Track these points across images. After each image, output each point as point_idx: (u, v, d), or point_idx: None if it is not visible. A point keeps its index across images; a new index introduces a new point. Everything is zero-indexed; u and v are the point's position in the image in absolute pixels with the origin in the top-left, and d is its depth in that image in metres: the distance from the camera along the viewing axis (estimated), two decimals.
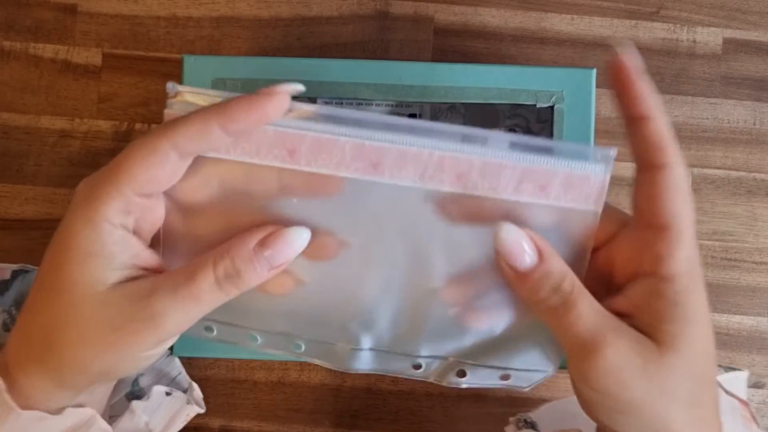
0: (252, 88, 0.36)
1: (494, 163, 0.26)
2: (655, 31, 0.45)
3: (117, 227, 0.25)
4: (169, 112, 0.26)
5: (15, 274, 0.34)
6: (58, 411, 0.27)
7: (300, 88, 0.26)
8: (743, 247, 0.44)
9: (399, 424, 0.43)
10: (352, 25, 0.44)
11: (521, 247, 0.26)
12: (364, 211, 0.27)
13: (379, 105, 0.41)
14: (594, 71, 0.37)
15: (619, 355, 0.25)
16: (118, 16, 0.44)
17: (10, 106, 0.44)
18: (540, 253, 0.26)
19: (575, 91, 0.37)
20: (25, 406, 0.27)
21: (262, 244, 0.26)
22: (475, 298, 0.28)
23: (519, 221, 0.26)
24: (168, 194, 0.27)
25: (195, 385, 0.36)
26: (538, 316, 0.27)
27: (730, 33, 0.45)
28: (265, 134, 0.26)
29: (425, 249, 0.28)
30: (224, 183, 0.27)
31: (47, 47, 0.44)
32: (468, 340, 0.30)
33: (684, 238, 0.25)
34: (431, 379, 0.31)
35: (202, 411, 0.36)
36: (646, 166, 0.26)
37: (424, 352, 0.30)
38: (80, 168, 0.43)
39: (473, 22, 0.44)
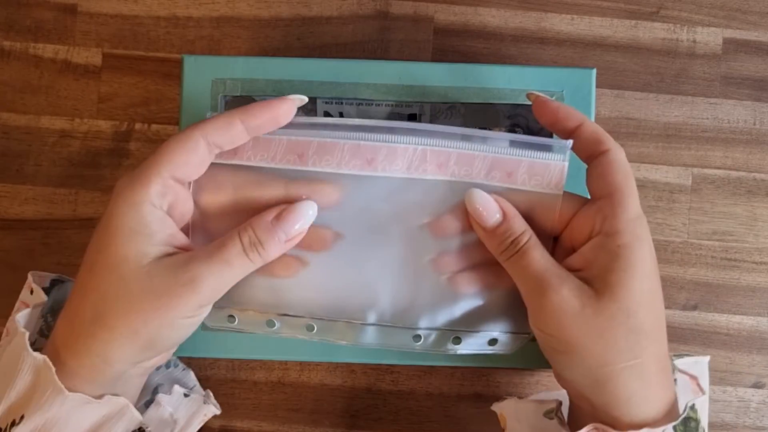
0: (252, 88, 0.37)
1: (467, 154, 0.31)
2: (655, 31, 0.45)
3: (156, 207, 0.30)
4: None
5: (53, 283, 0.36)
6: (99, 397, 0.30)
7: (305, 99, 0.32)
8: (743, 247, 0.44)
9: (399, 423, 0.43)
10: (352, 25, 0.44)
11: (487, 208, 0.31)
12: (361, 203, 0.32)
13: (379, 105, 0.41)
14: (594, 71, 0.37)
15: (560, 299, 0.29)
16: (118, 16, 0.44)
17: (10, 106, 0.44)
18: (504, 214, 0.31)
19: (575, 91, 0.37)
20: (71, 390, 0.29)
21: (278, 217, 0.31)
22: (461, 267, 0.33)
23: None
24: (194, 197, 0.32)
25: (210, 392, 0.38)
26: (505, 268, 0.31)
27: (730, 33, 0.45)
28: (279, 144, 0.32)
29: (417, 229, 0.33)
30: (238, 190, 0.32)
31: (47, 47, 0.44)
32: (459, 310, 0.34)
33: (625, 202, 0.30)
34: (431, 350, 0.34)
35: (219, 412, 0.37)
36: (592, 157, 0.31)
37: (422, 324, 0.34)
38: (80, 168, 0.43)
39: (473, 22, 0.44)
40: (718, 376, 0.44)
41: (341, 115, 0.41)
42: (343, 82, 0.37)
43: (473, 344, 0.34)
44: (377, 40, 0.44)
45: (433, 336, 0.34)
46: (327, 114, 0.41)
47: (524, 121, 0.37)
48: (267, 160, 0.32)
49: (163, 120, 0.44)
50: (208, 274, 0.29)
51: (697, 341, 0.44)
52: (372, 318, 0.34)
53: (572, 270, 0.31)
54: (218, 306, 0.33)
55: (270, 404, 0.43)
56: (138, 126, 0.44)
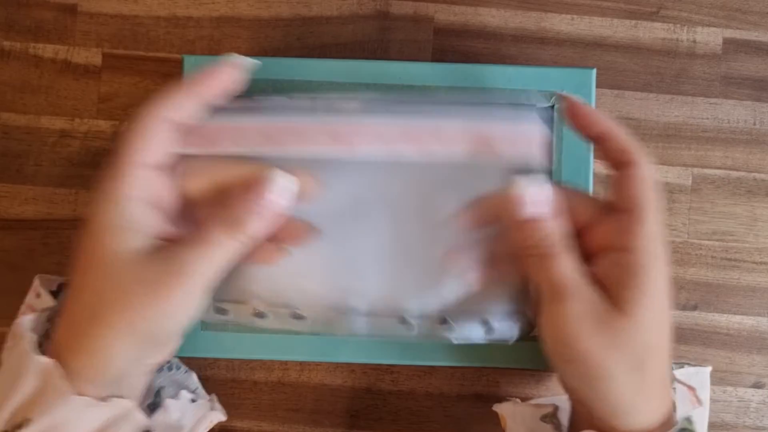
0: (252, 89, 0.37)
1: (444, 125, 0.31)
2: (655, 31, 0.45)
3: (137, 201, 0.30)
4: None
5: (60, 287, 0.36)
6: (103, 399, 0.30)
7: (255, 62, 0.32)
8: (743, 247, 0.44)
9: (399, 423, 0.43)
10: (352, 25, 0.44)
11: (530, 197, 0.30)
12: (343, 191, 0.32)
13: None
14: (594, 71, 0.37)
15: (579, 309, 0.29)
16: (118, 16, 0.44)
17: (10, 105, 0.44)
18: (548, 210, 0.30)
19: (575, 91, 0.37)
20: (76, 392, 0.29)
21: (247, 188, 0.31)
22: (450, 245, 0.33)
23: (474, 179, 0.32)
24: (178, 187, 0.32)
25: (215, 396, 0.38)
26: (523, 260, 0.31)
27: (730, 33, 0.45)
28: (250, 130, 0.32)
29: (402, 213, 0.33)
30: (219, 175, 0.32)
31: (47, 47, 0.44)
32: (450, 294, 0.33)
33: (645, 218, 0.30)
34: (424, 337, 0.35)
35: (225, 419, 0.38)
36: (618, 165, 0.31)
37: (411, 310, 0.34)
38: (80, 168, 0.43)
39: (473, 22, 0.44)
40: (718, 376, 0.44)
41: None
42: (343, 82, 0.37)
43: (468, 330, 0.34)
44: (377, 40, 0.44)
45: (424, 322, 0.34)
46: None
47: None
48: (239, 147, 0.32)
49: None
50: (196, 259, 0.30)
51: (697, 341, 0.44)
52: (361, 305, 0.34)
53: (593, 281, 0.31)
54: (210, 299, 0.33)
55: (270, 404, 0.43)
56: None
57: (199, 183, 0.33)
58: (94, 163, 0.44)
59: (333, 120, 0.32)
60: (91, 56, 0.44)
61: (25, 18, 0.44)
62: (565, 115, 0.32)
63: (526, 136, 0.31)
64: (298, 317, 0.34)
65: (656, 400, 0.30)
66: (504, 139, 0.31)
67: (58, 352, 0.30)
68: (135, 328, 0.29)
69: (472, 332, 0.34)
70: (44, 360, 0.29)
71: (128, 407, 0.31)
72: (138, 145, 0.30)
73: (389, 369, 0.43)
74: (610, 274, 0.30)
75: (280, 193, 0.31)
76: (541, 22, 0.44)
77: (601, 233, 0.31)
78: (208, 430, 0.37)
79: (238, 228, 0.30)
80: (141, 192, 0.30)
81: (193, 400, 0.37)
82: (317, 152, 0.32)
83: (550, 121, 0.37)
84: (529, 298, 0.34)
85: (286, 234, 0.33)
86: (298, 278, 0.34)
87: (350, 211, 0.33)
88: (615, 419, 0.30)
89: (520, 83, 0.37)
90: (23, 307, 0.36)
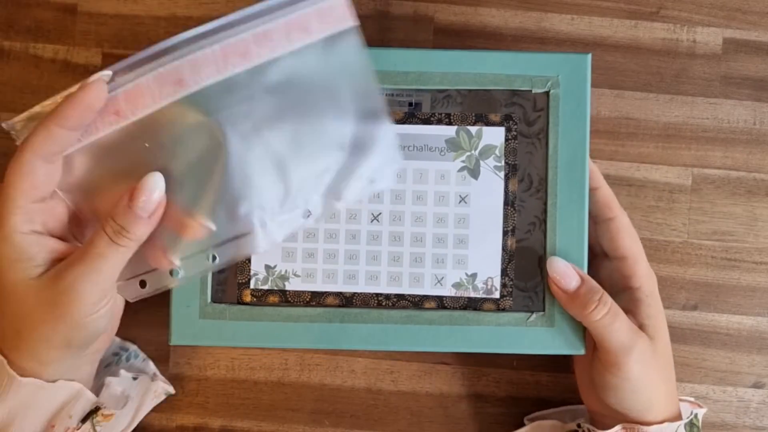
0: None
1: (262, 31, 0.33)
2: (655, 31, 0.45)
3: (27, 233, 0.32)
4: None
5: None
6: (52, 381, 0.34)
7: (108, 72, 0.32)
8: (743, 247, 0.44)
9: (399, 423, 0.43)
10: None
11: (569, 272, 0.36)
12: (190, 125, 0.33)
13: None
14: (589, 56, 0.37)
15: (642, 351, 0.35)
16: (118, 16, 0.44)
17: (10, 105, 0.43)
18: (580, 275, 0.36)
19: (570, 77, 0.37)
20: (23, 376, 0.33)
21: (131, 198, 0.32)
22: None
23: (305, 63, 0.34)
24: (66, 185, 0.33)
25: (158, 373, 0.42)
26: (587, 325, 0.36)
27: (730, 33, 0.45)
28: (112, 100, 0.33)
29: (255, 125, 0.33)
30: (96, 161, 0.33)
31: (47, 47, 0.44)
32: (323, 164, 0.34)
33: (638, 261, 0.38)
34: (325, 218, 0.37)
35: (172, 390, 0.41)
36: (601, 219, 0.38)
37: (300, 193, 0.34)
38: None
39: (473, 22, 0.44)
40: (718, 376, 0.44)
41: None
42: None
43: (354, 190, 0.35)
44: (377, 40, 0.44)
45: (318, 201, 0.34)
46: None
47: (520, 110, 0.37)
48: (91, 133, 0.33)
49: None
50: (84, 274, 0.31)
51: (697, 341, 0.44)
52: (259, 218, 0.34)
53: None
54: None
55: (270, 404, 0.43)
56: None
57: (89, 180, 0.34)
58: None
59: (159, 64, 0.33)
60: (91, 56, 0.44)
61: (25, 18, 0.44)
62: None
63: (333, 8, 0.33)
64: (209, 260, 0.34)
65: (673, 397, 0.38)
66: (317, 18, 0.33)
67: (1, 350, 0.33)
68: (52, 340, 0.33)
69: (359, 191, 0.35)
70: None
71: (78, 388, 0.35)
72: (18, 186, 0.31)
73: (389, 369, 0.43)
74: (635, 310, 0.37)
75: (160, 192, 0.32)
76: (542, 22, 0.44)
77: (604, 276, 0.38)
78: (157, 402, 0.41)
79: (127, 236, 0.32)
80: (33, 224, 0.32)
81: (134, 378, 0.40)
82: (164, 102, 0.33)
83: (546, 108, 0.37)
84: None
85: (179, 229, 0.33)
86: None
87: (212, 144, 0.33)
88: (648, 414, 0.36)
89: (517, 69, 0.37)
90: None
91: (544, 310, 0.37)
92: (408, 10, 0.44)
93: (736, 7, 0.45)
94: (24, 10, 0.44)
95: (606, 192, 0.38)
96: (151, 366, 0.42)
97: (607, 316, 0.35)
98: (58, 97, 0.33)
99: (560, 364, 0.43)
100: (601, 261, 0.39)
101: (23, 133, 0.33)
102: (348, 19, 0.34)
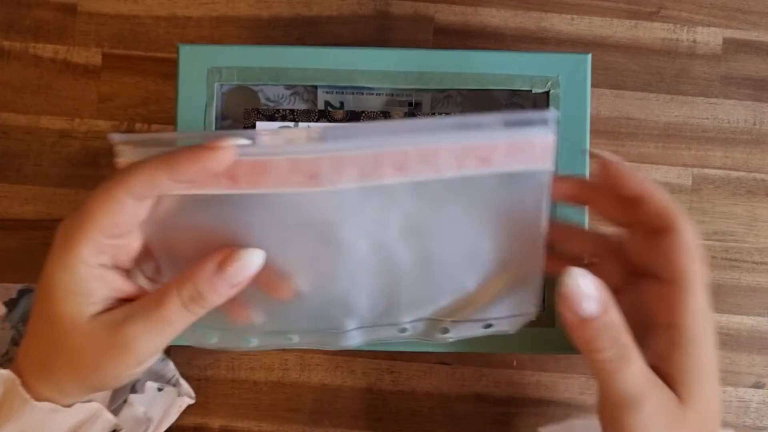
0: (248, 77, 0.37)
1: (430, 148, 0.27)
2: (655, 31, 0.45)
3: (93, 266, 0.28)
4: (121, 160, 0.28)
5: (21, 293, 0.37)
6: (69, 406, 0.31)
7: (244, 142, 0.27)
8: (743, 247, 0.44)
9: (399, 424, 0.43)
10: (351, 25, 0.44)
11: (587, 294, 0.27)
12: (313, 221, 0.28)
13: (379, 94, 0.40)
14: (589, 56, 0.37)
15: (654, 411, 0.27)
16: (118, 16, 0.44)
17: (10, 106, 0.43)
18: (604, 304, 0.27)
19: (570, 77, 0.37)
20: (39, 400, 0.30)
21: (221, 267, 0.28)
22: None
23: (475, 189, 0.28)
24: (150, 220, 0.29)
25: (182, 381, 0.39)
26: (588, 362, 0.28)
27: (730, 33, 0.45)
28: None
29: (387, 238, 0.29)
30: (187, 211, 0.29)
31: (47, 47, 0.44)
32: (444, 301, 0.32)
33: (692, 292, 0.28)
34: (419, 338, 0.34)
35: (193, 401, 0.39)
36: (656, 230, 0.29)
37: (406, 319, 0.33)
38: (80, 168, 0.43)
39: (473, 22, 0.44)
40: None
41: (342, 104, 0.41)
42: (340, 69, 0.37)
43: (466, 329, 0.33)
44: (377, 40, 0.44)
45: (420, 326, 0.34)
46: (327, 103, 0.41)
47: (521, 110, 0.37)
48: (197, 188, 0.28)
49: (163, 120, 0.44)
50: (144, 333, 0.29)
51: None
52: (352, 325, 0.33)
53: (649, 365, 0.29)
54: (195, 324, 0.30)
55: (270, 404, 0.43)
56: (138, 126, 0.44)
57: (177, 232, 0.30)
58: (94, 163, 0.43)
59: (295, 150, 0.27)
60: (91, 56, 0.44)
61: (25, 18, 0.44)
62: (605, 176, 0.30)
63: (532, 144, 0.27)
64: (288, 339, 0.33)
65: None
66: (505, 151, 0.27)
67: (21, 373, 0.31)
68: (83, 382, 0.30)
69: (470, 331, 0.34)
70: (4, 372, 0.30)
71: (96, 408, 0.32)
72: (98, 220, 0.28)
73: (389, 369, 0.43)
74: (665, 357, 0.28)
75: (255, 269, 0.29)
76: (542, 22, 0.44)
77: (645, 300, 0.30)
78: (179, 414, 0.38)
79: (200, 304, 0.29)
80: (100, 257, 0.29)
81: (160, 389, 0.38)
82: (292, 192, 0.27)
83: (545, 108, 0.37)
84: (537, 296, 0.33)
85: (266, 286, 0.31)
86: (288, 306, 0.31)
87: (329, 241, 0.29)
88: None
89: (517, 69, 0.37)
90: None
91: (544, 310, 0.37)
92: (408, 10, 0.44)
93: (736, 7, 0.45)
94: (24, 10, 0.44)
95: (658, 198, 0.29)
96: (171, 367, 0.40)
97: (613, 359, 0.27)
98: (176, 135, 0.30)
99: (560, 364, 0.43)
100: (643, 282, 0.30)
101: (126, 153, 0.28)
102: (545, 161, 0.27)
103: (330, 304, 0.31)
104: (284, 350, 0.43)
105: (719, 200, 0.44)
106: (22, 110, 0.44)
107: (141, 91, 0.44)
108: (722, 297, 0.44)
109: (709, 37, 0.45)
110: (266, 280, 0.30)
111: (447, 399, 0.43)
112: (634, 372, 0.27)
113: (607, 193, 0.30)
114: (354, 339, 0.34)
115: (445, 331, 0.33)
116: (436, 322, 0.34)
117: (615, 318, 0.27)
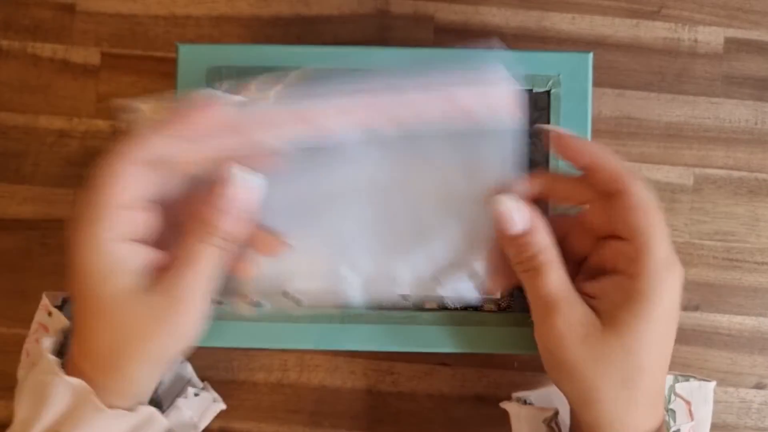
0: (247, 77, 0.36)
1: (416, 96, 0.31)
2: (657, 31, 0.44)
3: (119, 242, 0.29)
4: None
5: (65, 302, 0.37)
6: (129, 408, 0.31)
7: (243, 99, 0.32)
8: (745, 247, 0.44)
9: (400, 425, 0.43)
10: (352, 24, 0.44)
11: (513, 216, 0.31)
12: (318, 176, 0.33)
13: None
14: (590, 55, 0.37)
15: (566, 323, 0.30)
16: (116, 15, 0.44)
17: (8, 105, 0.43)
18: (531, 226, 0.31)
19: (571, 76, 0.37)
20: (104, 402, 0.30)
21: (214, 195, 0.30)
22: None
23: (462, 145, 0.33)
24: (161, 196, 0.31)
25: (209, 385, 0.40)
26: (518, 277, 0.32)
27: (731, 32, 0.45)
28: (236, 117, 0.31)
29: (382, 187, 0.34)
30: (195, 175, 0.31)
31: (45, 46, 0.44)
32: (438, 252, 0.34)
33: (648, 246, 0.29)
34: (419, 300, 0.36)
35: (224, 407, 0.39)
36: (610, 196, 0.31)
37: (404, 275, 0.35)
38: (79, 168, 0.43)
39: (474, 21, 0.44)
40: (719, 377, 0.44)
41: None
42: (340, 68, 0.37)
43: (457, 283, 0.35)
44: (377, 39, 0.44)
45: (417, 287, 0.35)
46: None
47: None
48: (208, 148, 0.31)
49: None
50: (187, 281, 0.30)
51: (698, 342, 0.44)
52: (353, 278, 0.34)
53: (586, 295, 0.31)
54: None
55: (270, 405, 0.43)
56: None
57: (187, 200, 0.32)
58: (92, 163, 0.43)
59: (300, 105, 0.31)
60: (90, 55, 0.44)
61: (23, 17, 0.44)
62: (553, 147, 0.32)
63: (497, 94, 0.32)
64: (294, 300, 0.35)
65: (643, 417, 0.31)
66: (476, 100, 0.32)
67: (81, 373, 0.31)
68: (154, 356, 0.31)
69: (462, 286, 0.35)
70: (76, 381, 0.30)
71: (151, 412, 0.32)
72: (111, 188, 0.29)
73: (389, 370, 0.43)
74: (609, 294, 0.31)
75: (243, 186, 0.31)
76: (542, 21, 0.44)
77: (609, 253, 0.32)
78: (210, 420, 0.39)
79: (211, 230, 0.30)
80: (120, 232, 0.30)
81: (196, 394, 0.38)
82: (288, 138, 0.31)
83: (547, 107, 0.37)
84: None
85: (259, 246, 0.33)
86: (289, 265, 0.34)
87: (330, 193, 0.34)
88: (599, 430, 0.31)
89: (517, 68, 0.37)
90: (35, 325, 0.36)
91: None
92: (408, 9, 0.44)
93: (737, 6, 0.45)
94: (22, 9, 0.44)
95: (606, 163, 0.31)
96: (189, 369, 0.40)
97: (536, 268, 0.31)
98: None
99: None
100: (607, 245, 0.32)
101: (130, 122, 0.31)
102: (509, 112, 0.33)
103: (329, 251, 0.34)
104: (284, 351, 0.43)
105: (721, 200, 0.44)
106: (21, 110, 0.43)
107: (140, 91, 0.44)
108: (724, 297, 0.44)
109: (711, 36, 0.44)
110: (260, 240, 0.33)
111: (447, 400, 0.43)
112: (553, 279, 0.30)
113: (571, 178, 0.33)
114: (356, 292, 0.35)
115: (441, 285, 0.35)
116: (431, 278, 0.35)
117: (542, 239, 0.31)
